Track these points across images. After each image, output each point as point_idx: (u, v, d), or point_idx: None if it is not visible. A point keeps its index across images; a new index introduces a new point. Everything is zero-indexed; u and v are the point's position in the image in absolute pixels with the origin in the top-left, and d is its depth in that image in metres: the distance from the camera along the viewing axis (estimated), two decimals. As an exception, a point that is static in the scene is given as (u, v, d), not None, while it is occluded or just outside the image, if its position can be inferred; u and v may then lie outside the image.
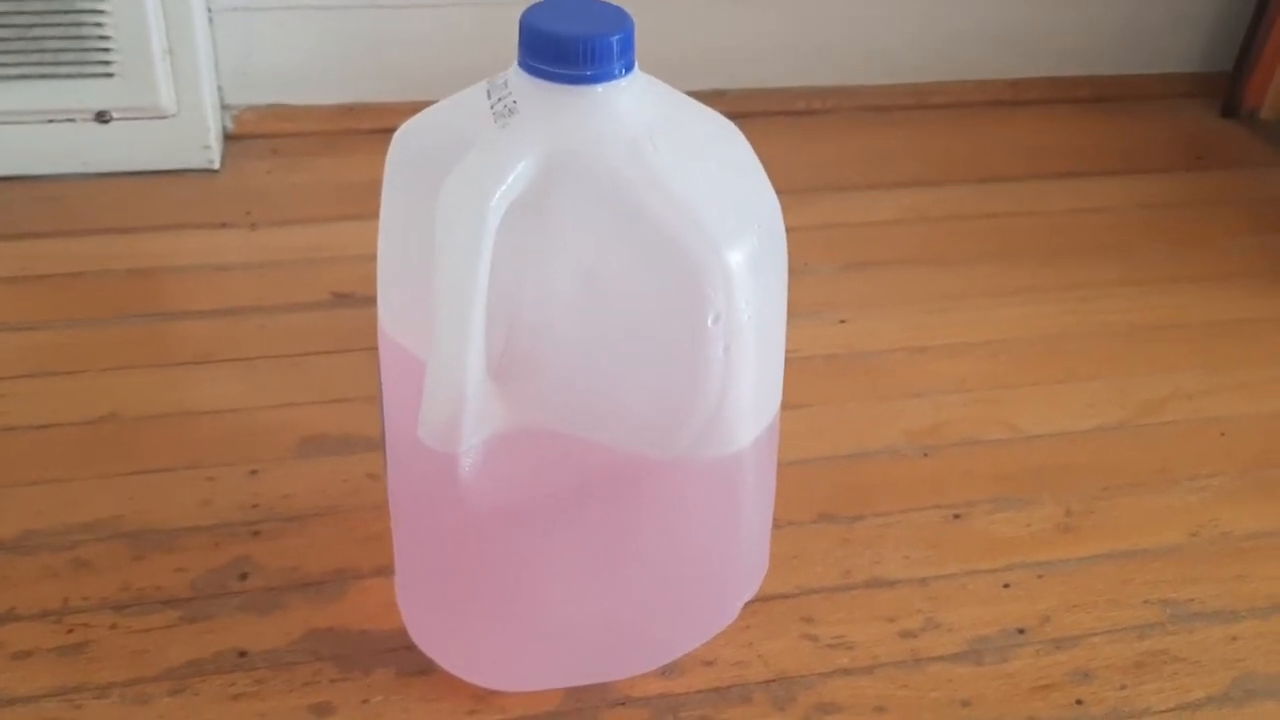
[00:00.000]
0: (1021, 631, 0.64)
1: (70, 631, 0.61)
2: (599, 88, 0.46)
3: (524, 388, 0.49)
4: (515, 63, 0.48)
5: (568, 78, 0.46)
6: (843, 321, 0.88)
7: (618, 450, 0.51)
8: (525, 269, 0.47)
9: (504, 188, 0.45)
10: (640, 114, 0.47)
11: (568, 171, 0.46)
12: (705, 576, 0.58)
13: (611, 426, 0.50)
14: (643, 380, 0.49)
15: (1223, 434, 0.80)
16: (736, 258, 0.47)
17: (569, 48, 0.46)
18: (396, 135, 0.51)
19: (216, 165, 1.01)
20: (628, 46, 0.47)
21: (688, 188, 0.47)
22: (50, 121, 0.96)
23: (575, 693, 0.59)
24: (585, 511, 0.53)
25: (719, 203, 0.48)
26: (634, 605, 0.57)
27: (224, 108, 1.05)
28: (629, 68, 0.47)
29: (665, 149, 0.47)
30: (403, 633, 0.61)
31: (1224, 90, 1.23)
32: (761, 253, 0.49)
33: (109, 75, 0.94)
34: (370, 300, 0.54)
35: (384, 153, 0.52)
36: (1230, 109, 1.22)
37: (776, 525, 0.61)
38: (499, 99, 0.47)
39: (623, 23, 0.47)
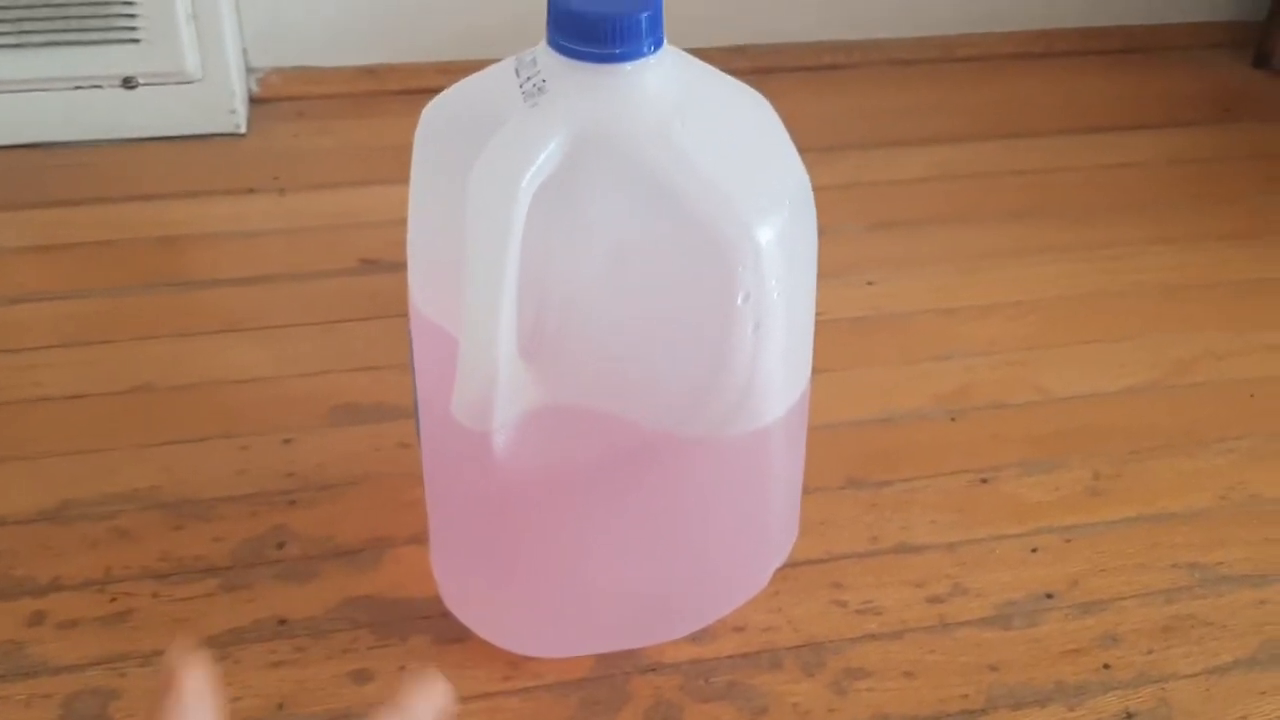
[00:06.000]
0: (1049, 596, 0.65)
1: (113, 600, 0.62)
2: (627, 66, 0.46)
3: (554, 366, 0.50)
4: (544, 39, 0.47)
5: (596, 56, 0.46)
6: (870, 283, 0.88)
7: (648, 427, 0.51)
8: (555, 248, 0.47)
9: (534, 168, 0.45)
10: (669, 91, 0.47)
11: (597, 151, 0.46)
12: (736, 546, 0.59)
13: (641, 404, 0.51)
14: (672, 359, 0.49)
15: (1252, 395, 0.79)
16: (766, 236, 0.47)
17: (597, 27, 0.45)
18: (425, 112, 0.51)
19: (243, 129, 1.01)
20: (656, 24, 0.46)
21: (717, 166, 0.47)
22: (77, 88, 0.96)
23: (606, 659, 0.60)
24: (616, 486, 0.53)
25: (748, 180, 0.48)
26: (665, 575, 0.57)
27: (249, 71, 1.04)
28: (658, 44, 0.47)
29: (694, 127, 0.47)
30: (438, 600, 0.62)
31: (1255, 40, 1.21)
32: (791, 229, 0.49)
33: (135, 41, 0.94)
34: (399, 266, 0.54)
35: (410, 114, 0.52)
36: (1262, 59, 1.20)
37: (804, 491, 0.62)
38: (528, 77, 0.47)
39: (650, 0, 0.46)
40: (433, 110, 0.51)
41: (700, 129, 0.47)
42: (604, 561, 0.56)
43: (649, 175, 0.46)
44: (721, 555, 0.59)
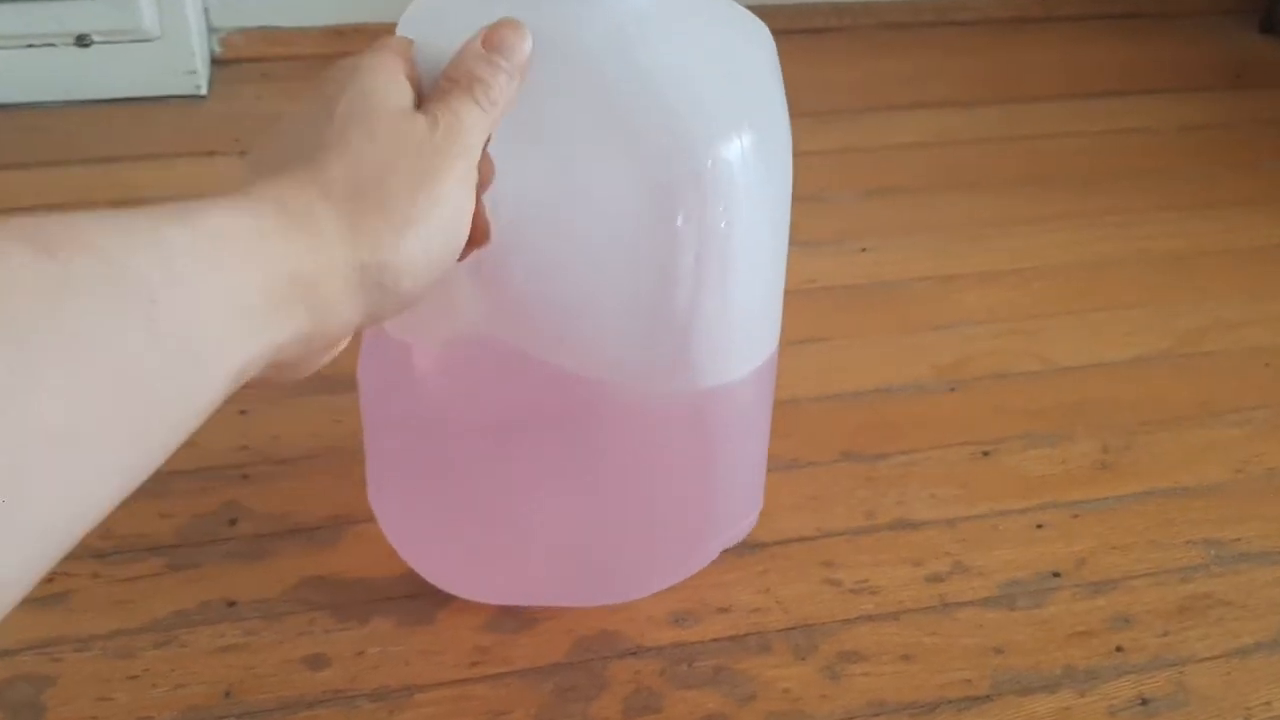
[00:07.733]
0: (1056, 575, 0.61)
1: (50, 581, 0.58)
2: None
3: (494, 292, 0.46)
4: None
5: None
6: (864, 250, 0.84)
7: (582, 379, 0.47)
8: (508, 157, 0.43)
9: None
10: (640, 2, 0.43)
11: (550, 55, 0.42)
12: (674, 516, 0.54)
13: (576, 351, 0.47)
14: (610, 293, 0.45)
15: (1267, 364, 0.75)
16: (714, 157, 0.43)
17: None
18: (401, 21, 0.47)
19: (203, 91, 0.96)
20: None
21: (666, 80, 0.43)
22: (29, 46, 0.92)
23: (583, 642, 0.56)
24: (542, 436, 0.50)
25: (701, 101, 0.44)
26: (591, 534, 0.53)
27: (211, 30, 1.00)
28: None
29: (656, 39, 0.43)
30: (402, 581, 0.57)
31: (1264, 6, 1.17)
32: (749, 160, 0.44)
33: (89, -4, 0.90)
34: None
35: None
36: (1270, 25, 1.16)
37: (797, 465, 0.58)
38: None
39: None
40: (408, 17, 0.46)
41: (663, 42, 0.43)
42: (524, 508, 0.53)
43: (596, 83, 0.42)
44: (657, 523, 0.54)
